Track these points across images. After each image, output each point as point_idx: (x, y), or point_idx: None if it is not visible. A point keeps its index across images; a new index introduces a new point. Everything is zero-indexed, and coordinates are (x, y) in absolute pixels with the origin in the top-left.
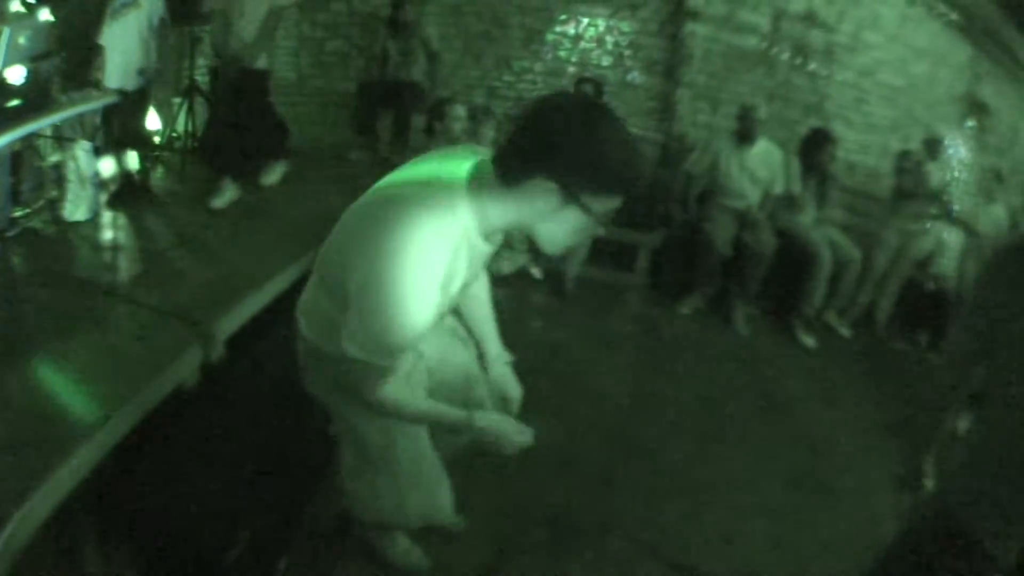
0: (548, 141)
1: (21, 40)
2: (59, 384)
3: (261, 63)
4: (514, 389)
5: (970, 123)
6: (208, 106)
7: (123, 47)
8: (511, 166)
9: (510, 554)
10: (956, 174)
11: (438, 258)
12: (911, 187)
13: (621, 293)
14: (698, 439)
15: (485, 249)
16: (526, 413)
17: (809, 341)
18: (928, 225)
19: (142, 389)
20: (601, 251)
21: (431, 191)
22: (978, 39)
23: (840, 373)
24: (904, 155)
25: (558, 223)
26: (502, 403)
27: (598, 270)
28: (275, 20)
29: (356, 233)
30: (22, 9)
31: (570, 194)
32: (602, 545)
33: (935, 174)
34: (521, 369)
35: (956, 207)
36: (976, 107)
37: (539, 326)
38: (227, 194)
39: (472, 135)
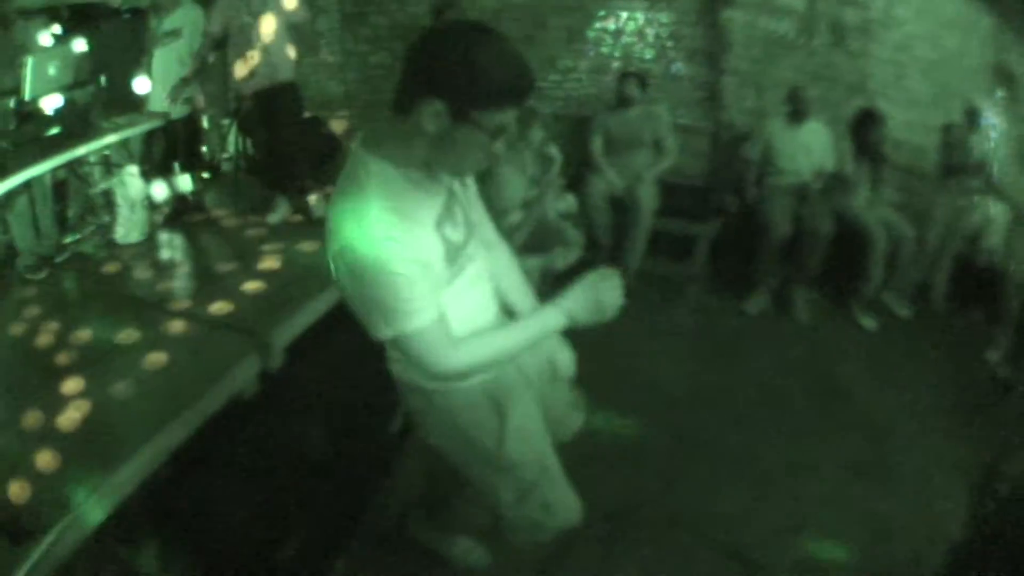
0: (428, 62)
1: (51, 71)
2: (115, 398)
3: (285, 76)
4: (562, 352)
5: (1000, 93)
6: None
7: (166, 74)
8: (401, 98)
9: (569, 549)
10: (994, 145)
11: (384, 219)
12: (957, 160)
13: (681, 285)
14: (760, 429)
15: (451, 186)
16: (588, 408)
17: (869, 323)
18: (975, 199)
19: (197, 399)
20: (659, 244)
21: (347, 178)
22: (1002, 8)
23: (899, 354)
24: (948, 129)
25: (457, 145)
26: (551, 369)
27: (657, 263)
28: (291, 35)
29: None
30: (51, 42)
31: (458, 111)
32: (663, 538)
33: (977, 146)
34: (581, 366)
35: (998, 179)
36: (1005, 77)
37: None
38: (280, 210)
39: (521, 137)
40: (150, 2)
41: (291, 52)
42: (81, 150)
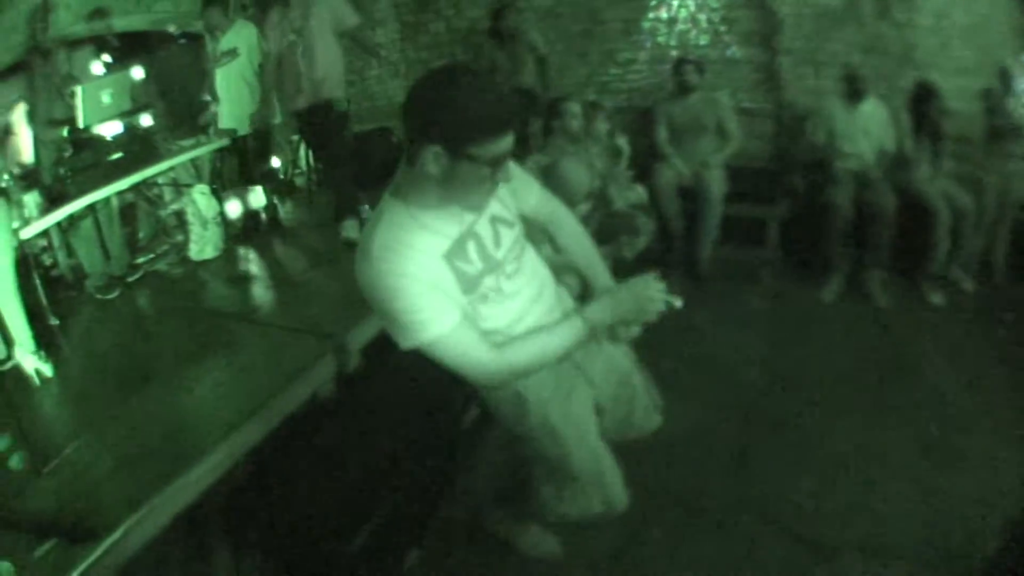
0: (419, 113)
1: (104, 99)
2: (190, 403)
3: (331, 92)
4: (620, 355)
5: None
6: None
7: (230, 94)
8: (408, 149)
9: (638, 536)
10: None
11: (395, 255)
12: (998, 124)
13: (754, 269)
14: (831, 411)
15: (469, 220)
16: (663, 395)
17: (937, 299)
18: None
19: (273, 399)
20: (731, 229)
21: (371, 221)
22: None
23: (965, 331)
24: (987, 93)
25: (461, 181)
26: (618, 373)
27: (729, 248)
28: (342, 46)
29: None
30: (103, 71)
31: (454, 150)
32: (731, 523)
33: (1014, 109)
34: (656, 353)
35: None
36: None
37: (674, 311)
38: (350, 229)
39: (587, 132)
40: (204, 25)
41: (338, 65)
42: (142, 174)
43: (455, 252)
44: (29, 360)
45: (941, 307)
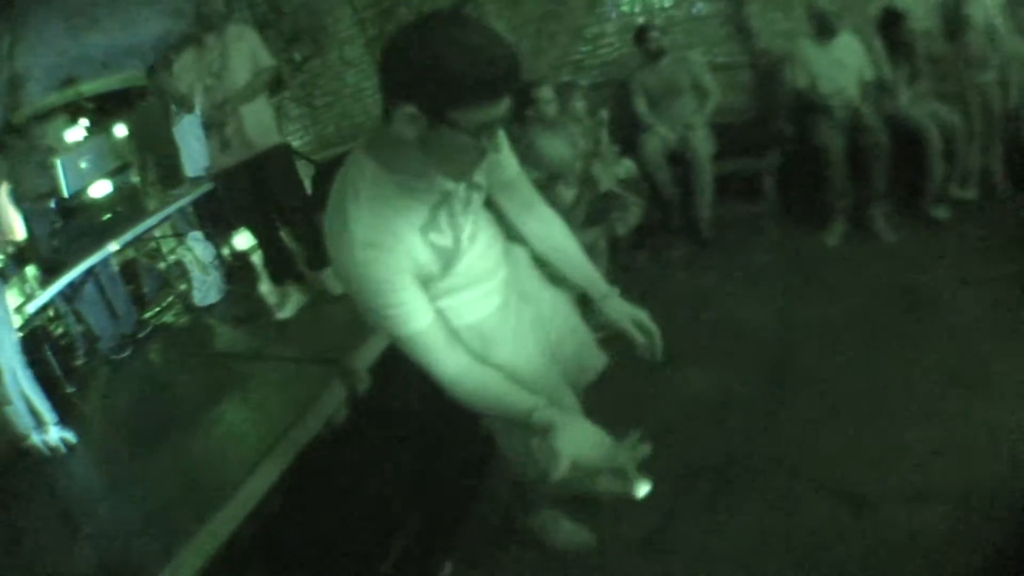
0: (396, 66)
1: (83, 164)
2: (210, 447)
3: (267, 141)
4: (639, 313)
5: None
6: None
7: (187, 145)
8: (384, 106)
9: (672, 515)
10: (998, 12)
11: (364, 225)
12: (962, 36)
13: (756, 223)
14: (852, 356)
15: (448, 189)
16: (683, 367)
17: (942, 213)
18: (996, 74)
19: (289, 431)
20: (726, 187)
21: (340, 182)
22: None
23: (975, 249)
24: (942, 4)
25: (441, 148)
26: (639, 330)
27: (728, 207)
28: (262, 83)
29: None
30: (84, 135)
31: (433, 113)
32: (767, 486)
33: (976, 14)
34: (671, 323)
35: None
36: None
37: (683, 277)
38: (291, 301)
39: (564, 111)
40: (153, 88)
41: (267, 111)
42: (133, 231)
43: (429, 225)
44: (52, 432)
45: (947, 226)
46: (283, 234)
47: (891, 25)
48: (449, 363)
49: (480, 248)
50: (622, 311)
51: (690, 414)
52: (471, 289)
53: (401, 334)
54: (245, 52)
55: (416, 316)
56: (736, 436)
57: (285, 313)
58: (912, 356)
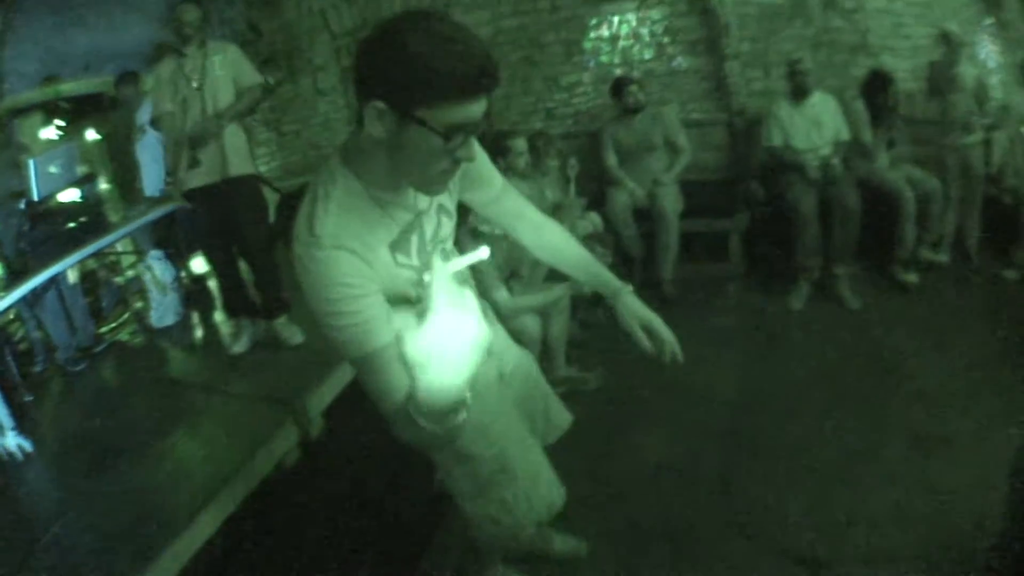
0: (365, 60)
1: (52, 169)
2: (160, 479)
3: (240, 167)
4: (651, 317)
5: (989, 20)
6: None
7: (148, 167)
8: (355, 106)
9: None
10: (991, 73)
11: (331, 231)
12: (947, 94)
13: (720, 284)
14: (815, 419)
15: (420, 208)
16: (641, 426)
17: (911, 278)
18: (982, 135)
19: (239, 473)
20: (692, 246)
21: (313, 188)
22: None
23: (943, 315)
24: (931, 66)
25: (410, 151)
26: (648, 335)
27: (693, 266)
28: (252, 101)
29: None
30: (56, 136)
31: (402, 110)
32: (727, 550)
33: (967, 74)
34: (629, 385)
35: (1000, 105)
36: (991, 3)
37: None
38: (244, 337)
39: (536, 166)
40: (119, 98)
41: (243, 136)
42: (98, 243)
43: (399, 244)
44: (9, 437)
45: (915, 291)
46: (241, 265)
47: (877, 89)
48: (405, 390)
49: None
50: (632, 312)
51: (649, 477)
52: None
53: (358, 351)
54: (227, 67)
55: (377, 331)
56: (693, 500)
57: (238, 348)
58: (875, 420)
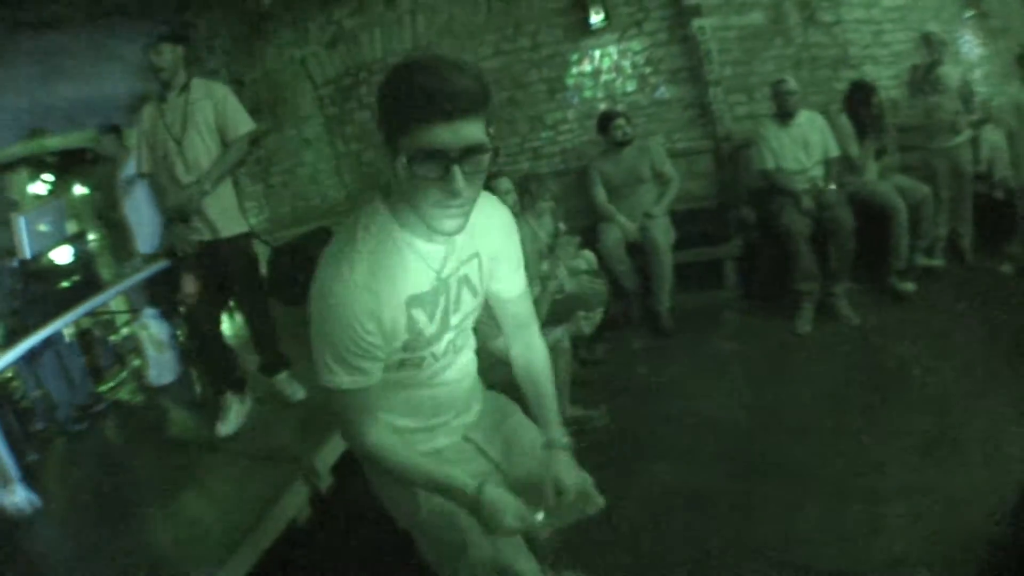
0: (377, 106)
1: (43, 227)
2: (169, 541)
3: (232, 226)
4: (569, 478)
5: (969, 14)
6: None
7: (141, 219)
8: None
9: None
10: (974, 67)
11: (361, 268)
12: (929, 94)
13: (718, 312)
14: (824, 436)
15: (449, 268)
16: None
17: (908, 287)
18: (968, 133)
19: (250, 533)
20: (687, 275)
21: (355, 216)
22: None
23: (944, 318)
24: (914, 70)
25: (405, 182)
26: (556, 492)
27: (689, 296)
28: (239, 154)
29: None
30: (46, 190)
31: (391, 142)
32: (745, 573)
33: (951, 74)
34: (635, 418)
35: (985, 100)
36: None
37: (645, 370)
38: (233, 414)
39: (528, 207)
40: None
41: (231, 193)
42: (92, 302)
43: (421, 300)
44: (19, 492)
45: (913, 299)
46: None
47: (859, 101)
48: (368, 432)
49: (453, 374)
50: (554, 467)
51: (661, 509)
52: (425, 416)
53: (343, 383)
54: (212, 115)
55: (366, 374)
56: (711, 528)
57: (225, 429)
58: (884, 431)
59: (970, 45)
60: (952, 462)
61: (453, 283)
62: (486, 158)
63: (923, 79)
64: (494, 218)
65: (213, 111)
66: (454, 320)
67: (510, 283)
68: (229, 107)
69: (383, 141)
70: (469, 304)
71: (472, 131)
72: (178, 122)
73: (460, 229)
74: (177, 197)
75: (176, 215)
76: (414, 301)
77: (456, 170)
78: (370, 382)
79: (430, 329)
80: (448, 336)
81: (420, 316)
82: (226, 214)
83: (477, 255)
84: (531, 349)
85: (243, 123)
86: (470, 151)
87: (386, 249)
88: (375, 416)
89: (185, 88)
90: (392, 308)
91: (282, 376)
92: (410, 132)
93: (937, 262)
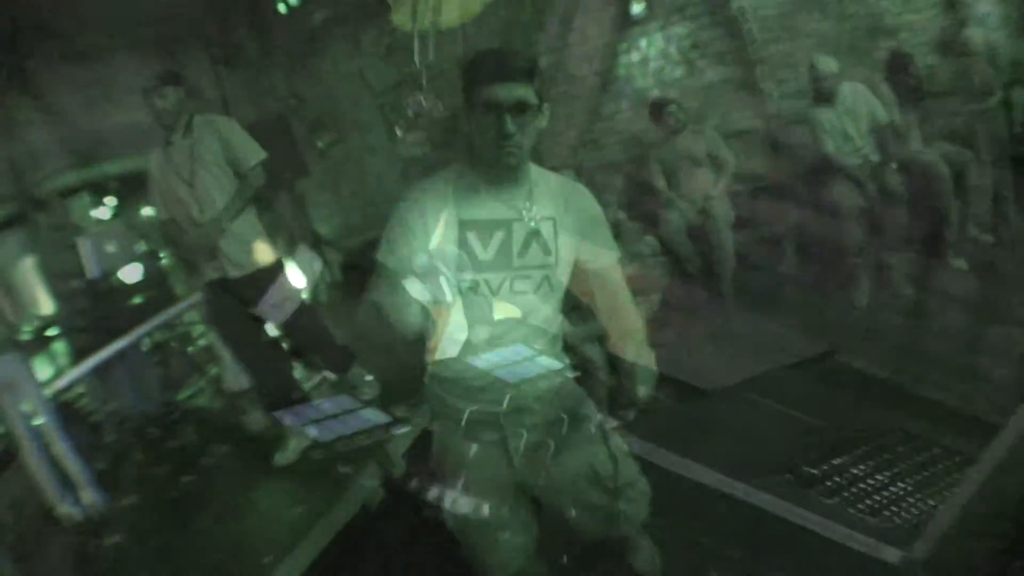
0: None
1: (110, 248)
2: (243, 530)
3: (255, 260)
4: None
5: None
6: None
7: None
8: None
9: None
10: (997, 29)
11: (427, 186)
12: (960, 57)
13: (777, 289)
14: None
15: (512, 214)
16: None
17: (961, 264)
18: (1000, 95)
19: (323, 516)
20: (746, 254)
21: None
22: None
23: (999, 288)
24: (941, 30)
25: (473, 132)
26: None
27: (750, 275)
28: (249, 193)
29: None
30: (107, 215)
31: (466, 101)
32: None
33: (976, 36)
34: None
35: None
36: None
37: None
38: (291, 447)
39: None
40: None
41: (252, 227)
42: (160, 318)
43: (476, 225)
44: (88, 493)
45: (966, 271)
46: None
47: (898, 69)
48: (378, 293)
49: (504, 328)
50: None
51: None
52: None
53: (379, 254)
54: (220, 150)
55: (394, 256)
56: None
57: (285, 459)
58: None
59: (992, 5)
60: None
61: (517, 229)
62: (533, 112)
63: (951, 41)
64: (575, 197)
65: (220, 146)
66: (516, 262)
67: (594, 256)
68: (236, 139)
69: (462, 103)
70: (538, 257)
71: (520, 91)
72: (186, 164)
73: (513, 166)
74: (193, 240)
75: (194, 255)
76: (468, 225)
77: (507, 117)
78: (395, 265)
79: (484, 255)
80: (507, 274)
81: (472, 239)
82: (244, 248)
83: (553, 219)
84: (624, 318)
85: (253, 153)
86: (518, 105)
87: (455, 180)
88: (386, 288)
89: (188, 128)
90: (445, 220)
91: (354, 371)
92: (475, 91)
93: (987, 236)
